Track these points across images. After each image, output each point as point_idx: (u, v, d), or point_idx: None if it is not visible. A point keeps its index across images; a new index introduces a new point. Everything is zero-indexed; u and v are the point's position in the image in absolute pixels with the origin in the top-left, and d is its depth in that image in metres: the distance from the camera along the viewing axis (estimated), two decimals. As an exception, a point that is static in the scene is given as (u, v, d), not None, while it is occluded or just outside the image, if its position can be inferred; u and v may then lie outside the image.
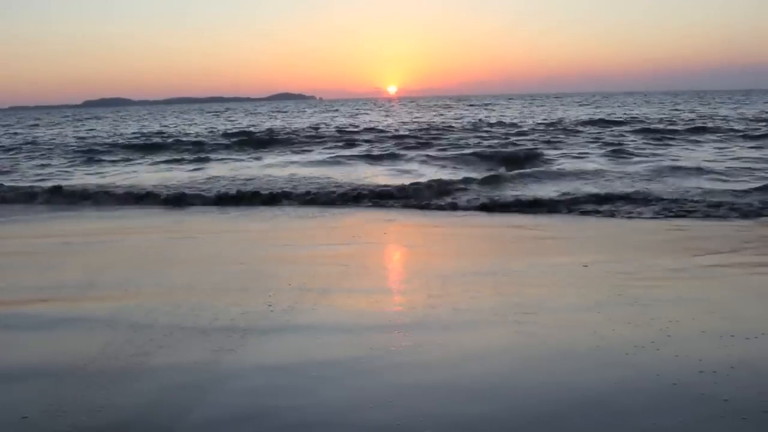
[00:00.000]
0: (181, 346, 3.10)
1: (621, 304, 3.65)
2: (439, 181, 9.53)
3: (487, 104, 56.82)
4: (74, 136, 26.35)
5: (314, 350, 3.05)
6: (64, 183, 10.96)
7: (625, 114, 31.19)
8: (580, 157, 13.58)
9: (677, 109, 35.09)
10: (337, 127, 27.65)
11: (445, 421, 2.34)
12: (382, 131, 23.18)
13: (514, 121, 28.05)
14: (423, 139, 18.80)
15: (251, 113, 49.74)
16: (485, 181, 9.84)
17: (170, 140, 21.73)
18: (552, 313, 3.54)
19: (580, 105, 47.50)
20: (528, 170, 11.14)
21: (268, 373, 2.79)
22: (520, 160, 12.82)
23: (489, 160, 13.23)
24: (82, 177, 12.91)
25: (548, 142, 17.32)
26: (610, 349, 2.98)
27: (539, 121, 27.02)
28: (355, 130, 24.76)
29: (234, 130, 26.09)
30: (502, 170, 11.30)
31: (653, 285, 4.07)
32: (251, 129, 27.20)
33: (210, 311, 3.63)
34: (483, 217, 7.30)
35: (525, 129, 22.70)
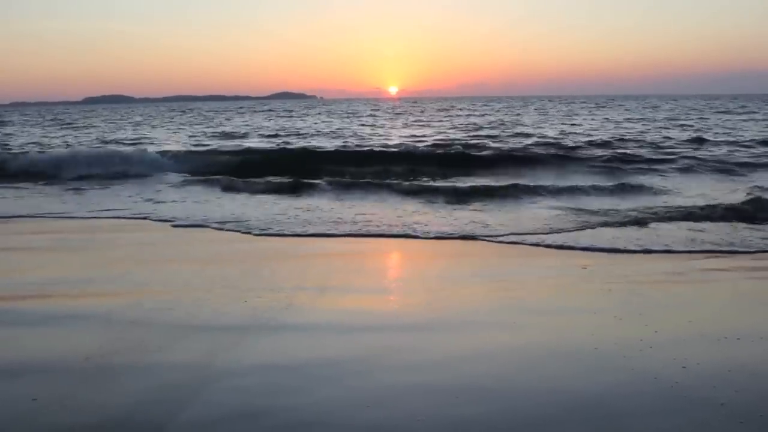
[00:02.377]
0: (177, 345, 3.10)
1: (619, 307, 3.64)
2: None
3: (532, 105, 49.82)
4: None
5: (311, 350, 3.04)
6: None
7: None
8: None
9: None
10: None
11: (441, 422, 2.33)
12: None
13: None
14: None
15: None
16: None
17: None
18: (550, 315, 3.53)
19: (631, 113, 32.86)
20: None
21: (263, 372, 2.78)
22: None
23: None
24: None
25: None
26: (608, 351, 2.98)
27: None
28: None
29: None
30: None
31: (651, 288, 4.06)
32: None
33: (207, 310, 3.63)
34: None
35: None
